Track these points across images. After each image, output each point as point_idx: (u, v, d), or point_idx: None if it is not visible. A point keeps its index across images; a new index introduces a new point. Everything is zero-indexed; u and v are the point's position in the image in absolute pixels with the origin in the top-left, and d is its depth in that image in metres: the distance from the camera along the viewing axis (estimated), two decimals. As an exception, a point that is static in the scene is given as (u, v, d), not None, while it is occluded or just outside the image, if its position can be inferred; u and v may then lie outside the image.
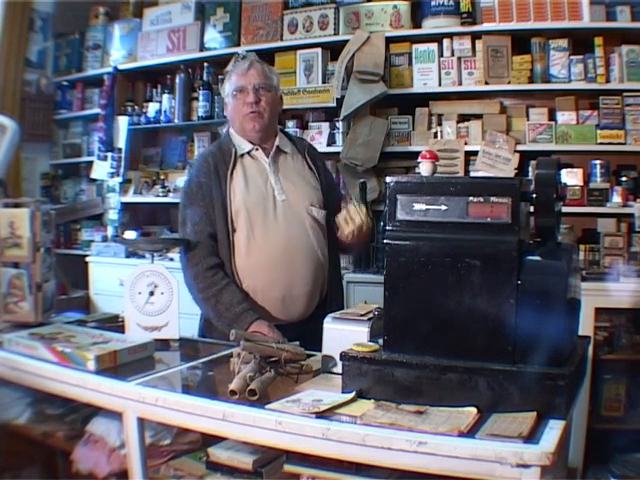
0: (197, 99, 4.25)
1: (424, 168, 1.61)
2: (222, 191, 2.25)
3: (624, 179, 3.34)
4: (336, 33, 3.81)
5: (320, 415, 1.41)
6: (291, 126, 3.93)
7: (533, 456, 1.22)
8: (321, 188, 2.38)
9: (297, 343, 1.89)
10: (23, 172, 4.59)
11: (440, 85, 3.62)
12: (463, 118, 3.62)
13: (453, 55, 3.58)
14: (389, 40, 3.67)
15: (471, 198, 1.47)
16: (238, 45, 4.08)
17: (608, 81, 3.30)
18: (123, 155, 4.46)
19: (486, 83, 3.51)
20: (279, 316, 2.24)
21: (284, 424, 1.42)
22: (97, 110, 4.57)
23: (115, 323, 2.28)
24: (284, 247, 2.24)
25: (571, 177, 3.38)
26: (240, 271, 2.25)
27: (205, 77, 4.24)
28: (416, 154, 1.73)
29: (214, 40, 4.21)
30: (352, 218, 2.19)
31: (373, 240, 3.25)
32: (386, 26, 3.68)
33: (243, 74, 2.32)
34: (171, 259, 3.92)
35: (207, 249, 2.25)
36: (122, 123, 4.48)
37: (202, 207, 2.26)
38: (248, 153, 2.33)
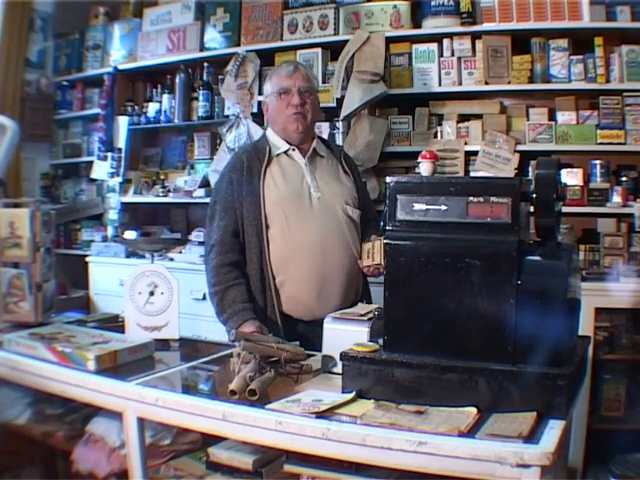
0: (197, 99, 4.24)
1: (424, 168, 1.61)
2: (255, 188, 2.29)
3: (624, 179, 3.34)
4: (336, 33, 3.80)
5: (320, 415, 1.41)
6: (291, 126, 3.92)
7: (533, 456, 1.22)
8: (357, 190, 2.46)
9: (297, 343, 1.89)
10: (23, 172, 4.58)
11: (440, 85, 3.61)
12: (463, 118, 3.62)
13: (453, 55, 3.57)
14: (389, 40, 3.66)
15: (471, 198, 1.47)
16: (238, 45, 4.08)
17: (608, 81, 3.29)
18: (123, 155, 4.45)
19: (486, 83, 3.51)
20: (316, 310, 2.26)
21: (284, 424, 1.42)
22: (97, 110, 4.56)
23: (115, 323, 2.29)
24: (319, 241, 2.27)
25: (571, 177, 3.37)
26: (274, 265, 2.28)
27: (205, 77, 4.24)
28: (416, 154, 1.73)
29: (214, 40, 4.20)
30: (374, 255, 2.20)
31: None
32: (386, 26, 3.67)
33: (289, 76, 2.37)
34: (171, 259, 3.93)
35: (227, 246, 2.28)
36: (122, 123, 4.47)
37: (230, 202, 2.30)
38: (285, 152, 2.38)
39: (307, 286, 2.27)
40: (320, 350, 1.89)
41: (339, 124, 3.81)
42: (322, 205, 2.32)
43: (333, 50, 3.83)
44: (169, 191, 4.34)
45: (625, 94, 3.29)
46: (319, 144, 2.46)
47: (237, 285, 2.24)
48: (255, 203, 2.28)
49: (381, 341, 1.55)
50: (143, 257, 2.87)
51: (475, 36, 3.52)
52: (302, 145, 2.40)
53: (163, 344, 2.06)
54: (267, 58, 3.94)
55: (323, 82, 3.86)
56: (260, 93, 3.96)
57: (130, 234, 4.15)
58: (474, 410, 1.38)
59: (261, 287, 2.27)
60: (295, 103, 2.34)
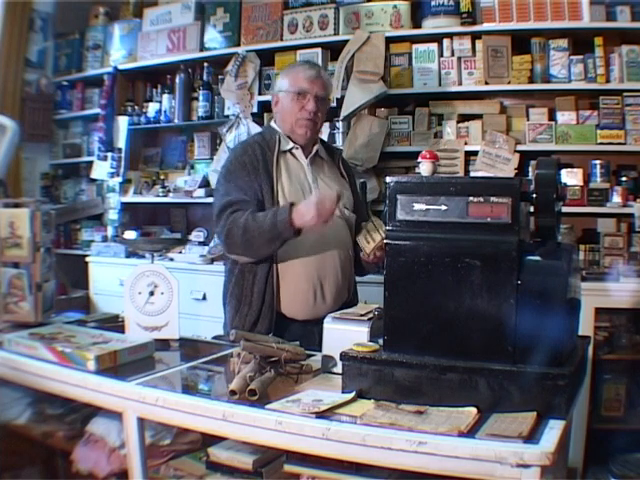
0: (197, 99, 4.24)
1: (424, 168, 1.61)
2: (270, 179, 2.28)
3: (624, 179, 3.34)
4: (336, 33, 3.80)
5: (320, 415, 1.41)
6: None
7: (533, 456, 1.22)
8: (352, 194, 2.47)
9: (297, 343, 1.89)
10: (23, 172, 4.59)
11: (440, 85, 3.61)
12: (463, 118, 3.62)
13: (453, 55, 3.58)
14: (389, 40, 3.66)
15: (471, 198, 1.47)
16: (238, 45, 4.08)
17: (608, 81, 3.29)
18: (123, 155, 4.45)
19: (486, 83, 3.51)
20: (309, 312, 2.28)
21: (284, 424, 1.42)
22: (97, 110, 4.56)
23: (115, 323, 2.29)
24: (318, 241, 2.28)
25: (571, 177, 3.38)
26: (279, 262, 2.28)
27: (205, 77, 4.24)
28: (416, 154, 1.73)
29: (214, 40, 4.20)
30: (372, 236, 2.20)
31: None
32: (386, 26, 3.67)
33: (310, 80, 2.35)
34: (171, 259, 3.93)
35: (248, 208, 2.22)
36: (122, 123, 4.48)
37: (248, 183, 2.27)
38: (289, 150, 2.39)
39: (304, 285, 2.28)
40: (315, 349, 1.89)
41: (339, 124, 3.81)
42: None
43: (333, 50, 3.83)
44: (169, 191, 4.34)
45: (625, 94, 3.29)
46: (321, 147, 2.47)
47: (256, 212, 2.19)
48: (270, 193, 2.27)
49: (381, 341, 1.55)
50: (143, 257, 2.87)
51: (475, 36, 3.52)
52: (306, 146, 2.41)
53: (163, 344, 2.06)
54: (267, 58, 3.94)
55: (323, 82, 3.85)
56: (260, 93, 3.97)
57: (130, 234, 4.15)
58: (474, 410, 1.38)
59: (264, 286, 2.27)
60: (310, 109, 2.33)
